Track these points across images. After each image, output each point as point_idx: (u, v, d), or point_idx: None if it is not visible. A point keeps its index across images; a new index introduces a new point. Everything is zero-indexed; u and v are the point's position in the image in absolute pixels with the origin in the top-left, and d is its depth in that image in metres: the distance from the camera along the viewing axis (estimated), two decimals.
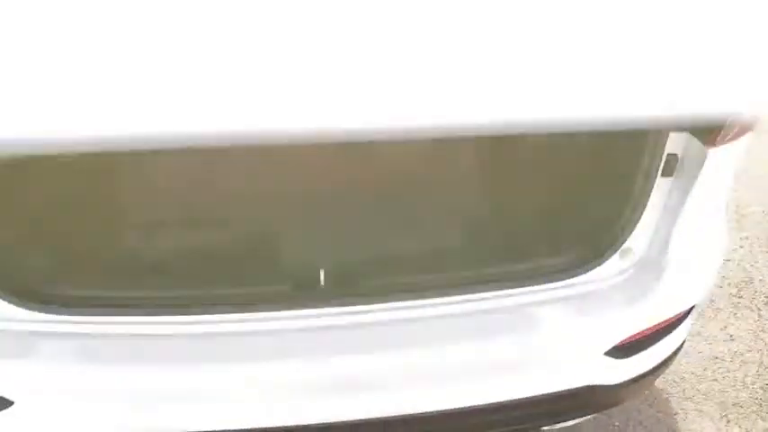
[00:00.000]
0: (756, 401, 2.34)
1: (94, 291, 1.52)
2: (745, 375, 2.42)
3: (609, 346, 1.56)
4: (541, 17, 1.11)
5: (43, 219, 1.61)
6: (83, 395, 1.43)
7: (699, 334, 2.54)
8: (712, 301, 2.70)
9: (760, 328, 2.58)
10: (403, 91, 1.08)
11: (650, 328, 1.60)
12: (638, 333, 1.58)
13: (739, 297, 2.72)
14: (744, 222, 3.19)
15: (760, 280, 2.81)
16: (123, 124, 1.05)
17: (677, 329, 1.72)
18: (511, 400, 1.53)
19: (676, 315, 1.63)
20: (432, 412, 1.50)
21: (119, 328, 1.43)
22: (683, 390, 2.38)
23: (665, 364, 1.75)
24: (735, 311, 2.66)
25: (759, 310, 2.66)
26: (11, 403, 1.43)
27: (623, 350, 1.60)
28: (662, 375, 2.35)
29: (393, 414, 1.48)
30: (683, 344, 1.79)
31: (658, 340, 1.67)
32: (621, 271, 1.55)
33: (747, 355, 2.50)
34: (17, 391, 1.42)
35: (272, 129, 1.08)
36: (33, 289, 1.46)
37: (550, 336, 1.51)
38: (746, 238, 3.06)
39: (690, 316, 1.75)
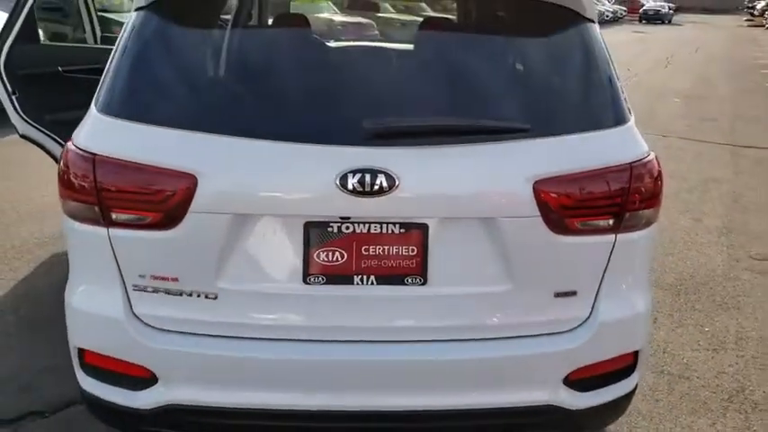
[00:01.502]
0: None
1: None
2: None
3: (563, 375, 2.17)
4: None
5: None
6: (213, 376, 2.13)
7: (689, 427, 3.00)
8: (705, 403, 3.16)
9: (746, 427, 3.01)
10: None
11: (593, 368, 2.20)
12: (584, 368, 2.18)
13: (729, 401, 3.17)
14: (741, 343, 3.67)
15: (750, 389, 3.26)
16: None
17: (624, 378, 2.30)
18: (481, 409, 2.13)
19: (613, 361, 2.23)
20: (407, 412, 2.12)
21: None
22: None
23: (618, 403, 2.31)
24: (724, 413, 3.09)
25: (747, 413, 3.09)
26: (156, 380, 2.19)
27: (577, 383, 2.20)
28: None
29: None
30: (633, 391, 2.35)
31: (608, 382, 2.26)
32: (571, 318, 2.18)
33: None
34: (162, 370, 2.18)
35: None
36: None
37: (517, 359, 2.15)
38: (743, 357, 3.53)
39: (637, 370, 2.33)
